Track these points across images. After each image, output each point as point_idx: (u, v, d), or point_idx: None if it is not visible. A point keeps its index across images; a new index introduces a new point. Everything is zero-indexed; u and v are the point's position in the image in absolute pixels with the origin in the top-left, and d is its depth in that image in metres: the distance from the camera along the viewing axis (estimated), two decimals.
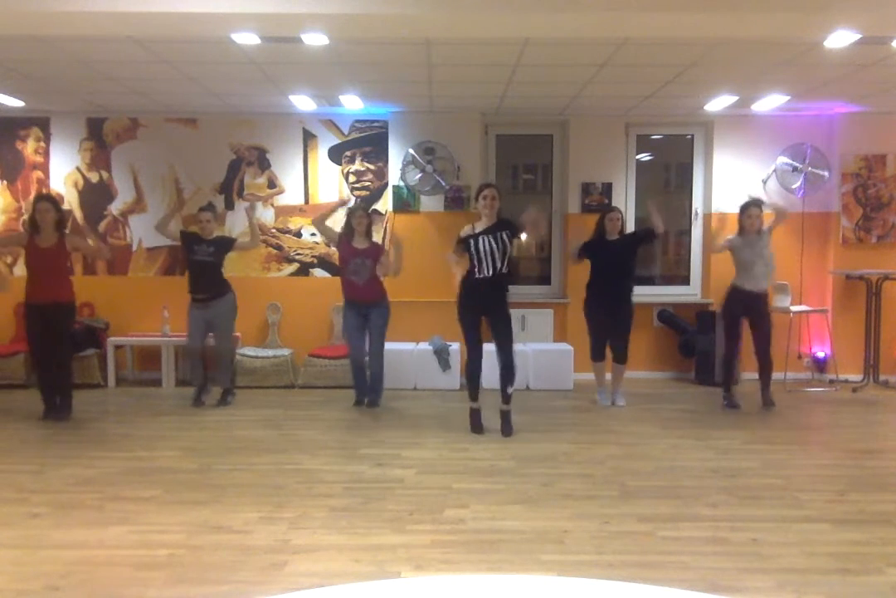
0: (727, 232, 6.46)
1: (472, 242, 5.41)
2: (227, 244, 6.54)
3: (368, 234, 6.46)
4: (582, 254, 6.46)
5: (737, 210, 6.44)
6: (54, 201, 5.95)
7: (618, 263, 6.30)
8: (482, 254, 5.37)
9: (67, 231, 5.99)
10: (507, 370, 5.48)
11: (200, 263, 6.36)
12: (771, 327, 6.37)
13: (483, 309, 5.50)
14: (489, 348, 5.58)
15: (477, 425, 5.57)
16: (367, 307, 6.36)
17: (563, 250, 7.86)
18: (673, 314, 7.74)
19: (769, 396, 6.36)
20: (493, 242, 5.36)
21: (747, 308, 6.30)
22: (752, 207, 6.29)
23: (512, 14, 4.26)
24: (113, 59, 5.64)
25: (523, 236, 5.94)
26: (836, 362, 7.50)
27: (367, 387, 6.49)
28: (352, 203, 7.70)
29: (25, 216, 7.67)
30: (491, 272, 5.38)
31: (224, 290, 6.44)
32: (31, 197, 7.60)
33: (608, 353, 6.52)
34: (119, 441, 5.32)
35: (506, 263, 5.42)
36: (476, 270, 5.42)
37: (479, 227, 5.47)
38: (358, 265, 6.30)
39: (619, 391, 6.54)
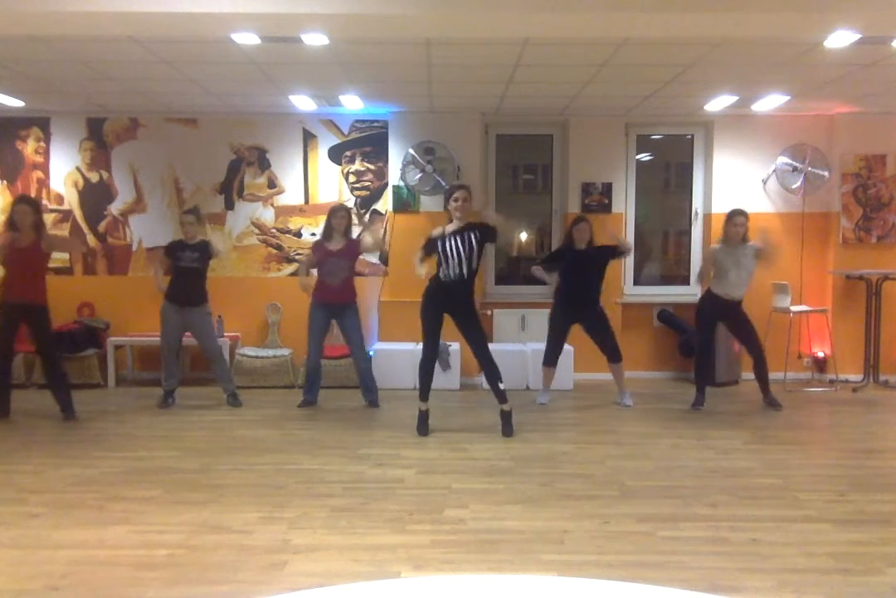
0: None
1: (439, 242, 5.37)
2: (207, 251, 6.40)
3: (347, 233, 6.44)
4: (551, 265, 6.51)
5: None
6: (33, 203, 5.92)
7: (586, 271, 6.33)
8: (449, 255, 5.32)
9: (47, 233, 5.96)
10: (489, 365, 5.45)
11: (185, 270, 6.29)
12: (752, 328, 6.32)
13: (447, 308, 5.45)
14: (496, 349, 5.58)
15: (423, 427, 5.49)
16: (338, 308, 6.31)
17: None
18: (673, 314, 7.74)
19: (772, 397, 6.34)
20: (460, 244, 5.31)
21: (722, 315, 6.30)
22: (737, 216, 6.20)
23: (512, 14, 4.26)
24: (113, 59, 5.64)
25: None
26: (836, 362, 7.50)
27: (361, 387, 6.49)
28: (352, 202, 7.72)
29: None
30: (457, 275, 5.33)
31: (202, 299, 6.38)
32: (33, 196, 7.64)
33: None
34: (119, 441, 5.32)
35: (474, 266, 5.36)
36: (442, 271, 5.38)
37: (450, 228, 5.43)
38: (333, 266, 6.27)
39: (626, 392, 6.54)
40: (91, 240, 7.72)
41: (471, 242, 5.32)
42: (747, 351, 6.43)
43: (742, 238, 6.21)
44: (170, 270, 6.38)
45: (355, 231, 6.78)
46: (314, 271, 6.54)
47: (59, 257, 7.40)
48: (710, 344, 6.52)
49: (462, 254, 5.31)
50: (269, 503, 3.99)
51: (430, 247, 5.44)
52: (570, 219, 7.68)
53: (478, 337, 5.45)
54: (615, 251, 6.36)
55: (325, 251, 6.34)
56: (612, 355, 6.46)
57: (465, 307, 5.45)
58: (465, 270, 5.33)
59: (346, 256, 6.34)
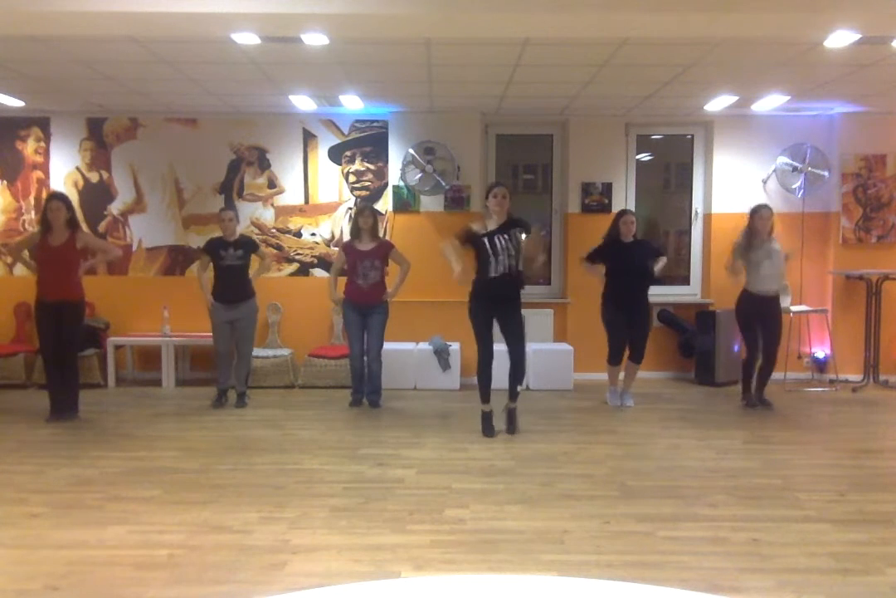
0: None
1: (486, 239, 5.31)
2: (252, 246, 6.52)
3: (374, 231, 6.45)
4: (595, 259, 6.42)
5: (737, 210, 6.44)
6: (66, 200, 5.90)
7: (636, 265, 6.28)
8: (498, 251, 5.29)
9: (80, 229, 5.99)
10: (519, 365, 5.49)
11: (230, 268, 6.34)
12: (779, 330, 6.38)
13: (495, 308, 5.43)
14: (500, 348, 5.54)
15: (489, 429, 5.46)
16: (367, 309, 6.37)
17: (564, 251, 7.87)
18: (673, 314, 7.74)
19: (764, 396, 6.38)
20: (507, 241, 5.30)
21: (759, 312, 6.29)
22: (763, 209, 6.27)
23: (512, 14, 4.26)
24: (113, 59, 5.64)
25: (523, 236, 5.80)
26: (836, 362, 7.50)
27: (367, 387, 6.50)
28: (352, 202, 7.73)
29: (28, 216, 7.68)
30: (506, 268, 5.31)
31: (250, 293, 6.45)
32: (33, 196, 7.66)
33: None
34: (119, 441, 5.32)
35: (519, 261, 5.36)
36: (492, 268, 5.32)
37: (492, 225, 5.38)
38: (367, 269, 6.32)
39: (629, 392, 6.54)
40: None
41: (517, 237, 5.33)
42: (763, 348, 6.37)
43: (769, 232, 6.28)
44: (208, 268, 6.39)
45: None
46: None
47: None
48: (756, 349, 6.37)
49: (511, 250, 5.30)
50: (269, 502, 3.99)
51: (469, 237, 5.37)
52: (571, 219, 7.73)
53: (518, 334, 5.47)
54: (657, 251, 6.42)
55: (356, 253, 6.36)
56: (636, 355, 6.45)
57: (513, 302, 5.45)
58: (512, 265, 5.32)
59: (377, 258, 6.37)
